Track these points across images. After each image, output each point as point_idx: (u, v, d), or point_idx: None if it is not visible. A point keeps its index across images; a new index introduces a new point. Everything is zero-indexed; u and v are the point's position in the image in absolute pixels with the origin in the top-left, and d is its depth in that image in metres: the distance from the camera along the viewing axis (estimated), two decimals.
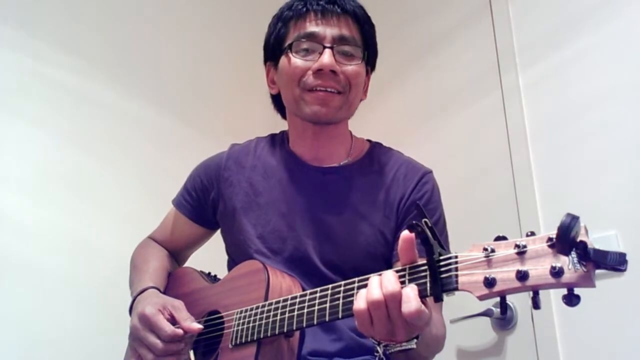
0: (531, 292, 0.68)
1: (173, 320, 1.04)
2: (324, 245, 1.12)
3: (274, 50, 1.20)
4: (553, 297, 1.63)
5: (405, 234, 0.78)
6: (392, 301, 0.75)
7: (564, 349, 1.59)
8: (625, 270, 0.62)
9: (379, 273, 0.81)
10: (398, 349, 0.81)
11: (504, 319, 1.72)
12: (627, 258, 0.62)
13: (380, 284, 0.77)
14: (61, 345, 1.66)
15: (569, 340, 1.59)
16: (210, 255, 1.37)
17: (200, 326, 1.05)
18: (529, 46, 1.84)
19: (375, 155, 1.23)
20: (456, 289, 0.72)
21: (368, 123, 2.24)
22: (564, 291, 0.66)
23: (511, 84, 1.85)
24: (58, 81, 1.86)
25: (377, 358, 0.84)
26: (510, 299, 1.72)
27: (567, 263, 0.64)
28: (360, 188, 1.17)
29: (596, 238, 1.52)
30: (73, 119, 1.87)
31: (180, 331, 1.02)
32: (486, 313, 1.70)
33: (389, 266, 0.81)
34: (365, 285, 0.81)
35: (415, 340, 0.81)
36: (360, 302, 0.78)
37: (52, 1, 1.91)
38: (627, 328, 1.48)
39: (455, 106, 2.02)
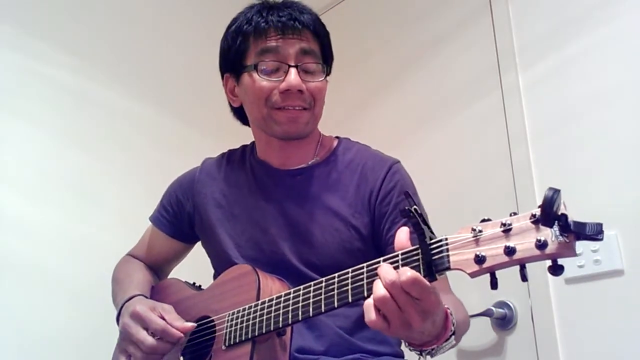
0: (519, 266, 0.72)
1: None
2: (299, 246, 1.14)
3: (234, 64, 1.19)
4: (553, 298, 1.63)
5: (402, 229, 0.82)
6: (393, 288, 0.76)
7: (564, 349, 1.59)
8: (602, 239, 0.67)
9: (374, 266, 0.82)
10: (444, 349, 0.84)
11: (504, 319, 1.72)
12: (604, 228, 0.67)
13: (383, 281, 0.77)
14: (61, 344, 1.66)
15: (569, 340, 1.59)
16: (193, 269, 1.36)
17: (192, 324, 1.05)
18: (529, 46, 1.84)
19: (342, 151, 1.23)
20: (448, 268, 0.75)
21: (368, 123, 2.25)
22: (559, 281, 0.70)
23: (511, 84, 1.85)
24: (58, 81, 1.86)
25: None
26: (510, 299, 1.72)
27: (550, 236, 0.68)
28: (329, 185, 1.18)
29: None
30: (73, 119, 1.87)
31: (172, 329, 1.02)
32: (486, 313, 1.70)
33: (366, 260, 0.84)
34: (361, 274, 0.84)
35: (453, 336, 0.84)
36: (370, 314, 0.78)
37: (52, 1, 1.91)
38: (627, 328, 1.48)
39: (455, 106, 2.02)
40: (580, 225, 0.66)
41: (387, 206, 1.13)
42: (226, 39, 1.21)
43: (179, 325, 1.03)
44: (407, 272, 0.75)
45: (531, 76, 1.82)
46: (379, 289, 0.77)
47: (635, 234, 1.51)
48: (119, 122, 1.98)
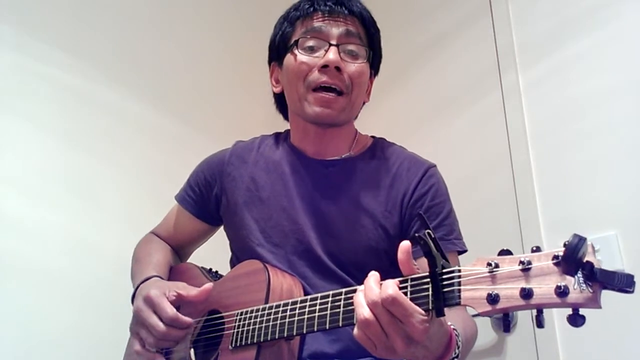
0: (534, 311, 0.66)
1: (178, 303, 1.04)
2: (325, 238, 1.12)
3: (279, 49, 1.20)
4: None
5: (402, 244, 0.76)
6: (376, 307, 0.73)
7: (564, 349, 1.59)
8: (633, 292, 0.60)
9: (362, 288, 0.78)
10: None
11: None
12: (635, 280, 0.60)
13: (365, 298, 0.75)
14: (61, 345, 1.66)
15: (569, 340, 1.59)
16: (212, 252, 1.37)
17: (210, 284, 1.05)
18: (529, 46, 1.84)
19: (378, 149, 1.22)
20: (459, 303, 0.70)
21: (368, 122, 2.24)
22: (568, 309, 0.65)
23: (511, 84, 1.85)
24: (58, 81, 1.86)
25: None
26: None
27: (573, 283, 0.62)
28: (362, 180, 1.16)
29: (596, 238, 1.53)
30: (73, 119, 1.87)
31: (181, 317, 1.01)
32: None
33: (391, 262, 0.79)
34: None
35: (456, 359, 0.80)
36: (356, 329, 0.76)
37: (52, 1, 1.91)
38: (627, 328, 1.48)
39: (455, 106, 2.02)
40: (608, 275, 0.60)
41: (418, 209, 1.11)
42: (275, 28, 1.23)
43: (195, 293, 1.03)
44: (389, 290, 0.72)
45: (531, 76, 1.82)
46: (363, 310, 0.74)
47: (635, 234, 1.51)
48: (119, 122, 1.98)
